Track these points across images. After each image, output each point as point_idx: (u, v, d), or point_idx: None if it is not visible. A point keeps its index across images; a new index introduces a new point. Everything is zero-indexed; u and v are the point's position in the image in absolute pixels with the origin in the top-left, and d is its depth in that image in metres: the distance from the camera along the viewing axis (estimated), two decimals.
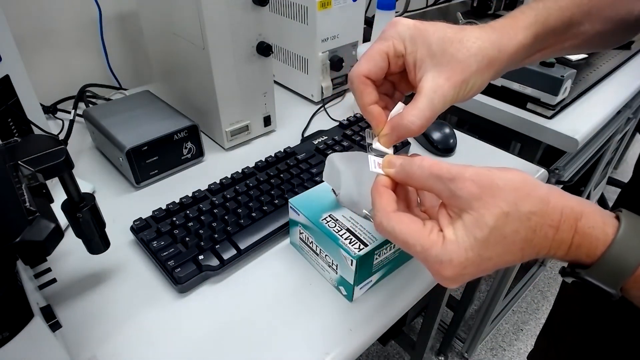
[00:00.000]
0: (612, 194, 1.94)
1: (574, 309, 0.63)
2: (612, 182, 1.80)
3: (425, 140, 0.74)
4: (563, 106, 0.83)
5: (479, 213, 0.30)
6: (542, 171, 0.70)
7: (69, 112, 0.79)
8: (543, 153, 0.87)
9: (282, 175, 0.64)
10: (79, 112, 0.80)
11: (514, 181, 0.31)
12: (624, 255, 0.30)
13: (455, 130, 0.76)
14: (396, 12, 0.91)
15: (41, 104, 0.65)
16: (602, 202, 1.82)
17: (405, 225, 0.33)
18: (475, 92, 0.39)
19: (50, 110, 0.83)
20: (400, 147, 0.72)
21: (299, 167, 0.65)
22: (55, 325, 0.38)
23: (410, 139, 0.75)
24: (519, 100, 0.84)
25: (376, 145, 0.39)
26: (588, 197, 1.44)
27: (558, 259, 0.32)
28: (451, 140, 0.74)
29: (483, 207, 0.30)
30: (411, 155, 0.37)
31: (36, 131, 0.61)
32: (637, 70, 0.99)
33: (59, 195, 0.39)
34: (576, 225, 0.30)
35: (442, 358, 1.42)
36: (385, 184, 0.36)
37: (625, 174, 2.12)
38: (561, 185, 0.89)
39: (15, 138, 0.40)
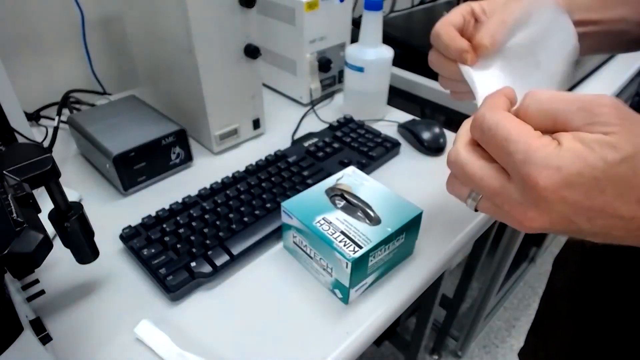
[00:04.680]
0: None
1: (564, 306, 0.63)
2: None
3: (415, 140, 0.74)
4: None
5: (616, 137, 0.26)
6: None
7: (53, 119, 0.78)
8: None
9: (273, 178, 0.63)
10: (63, 118, 0.78)
11: None
12: None
13: (444, 130, 0.76)
14: (383, 12, 0.91)
15: (24, 111, 0.64)
16: None
17: (512, 123, 0.29)
18: None
19: (34, 117, 0.81)
20: (391, 148, 0.72)
21: (290, 170, 0.65)
22: (45, 338, 0.37)
23: (400, 140, 0.75)
24: None
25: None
26: None
27: None
28: (441, 140, 0.74)
29: (623, 133, 0.26)
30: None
31: (20, 139, 0.60)
32: (622, 67, 1.00)
33: (45, 205, 0.38)
34: None
35: (436, 357, 1.43)
36: (506, 93, 0.33)
37: None
38: None
39: None
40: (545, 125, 0.29)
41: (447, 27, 0.44)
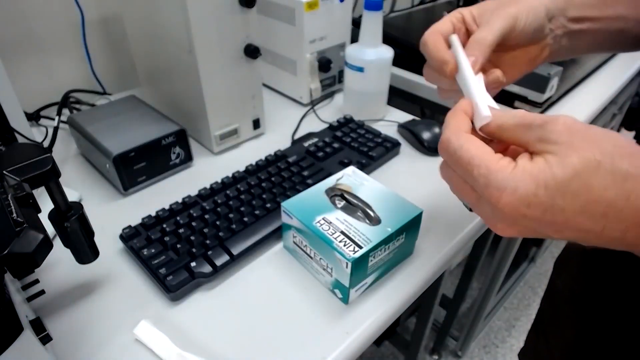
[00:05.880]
0: None
1: (565, 307, 0.63)
2: None
3: (415, 140, 0.74)
4: (550, 104, 0.84)
5: (565, 154, 0.27)
6: None
7: (53, 119, 0.78)
8: None
9: (273, 178, 0.63)
10: (63, 118, 0.78)
11: (616, 138, 0.27)
12: None
13: None
14: (383, 12, 0.91)
15: (24, 111, 0.64)
16: None
17: (474, 146, 0.30)
18: (530, 25, 0.42)
19: (34, 117, 0.81)
20: (391, 148, 0.72)
21: (290, 170, 0.65)
22: (45, 339, 0.37)
23: (400, 140, 0.75)
24: (506, 98, 0.85)
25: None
26: None
27: None
28: None
29: (572, 149, 0.27)
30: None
31: (20, 139, 0.60)
32: (623, 67, 1.00)
33: (45, 205, 0.38)
34: None
35: (436, 357, 1.43)
36: (465, 109, 0.34)
37: None
38: None
39: None
40: (514, 138, 0.31)
41: (434, 35, 0.43)
